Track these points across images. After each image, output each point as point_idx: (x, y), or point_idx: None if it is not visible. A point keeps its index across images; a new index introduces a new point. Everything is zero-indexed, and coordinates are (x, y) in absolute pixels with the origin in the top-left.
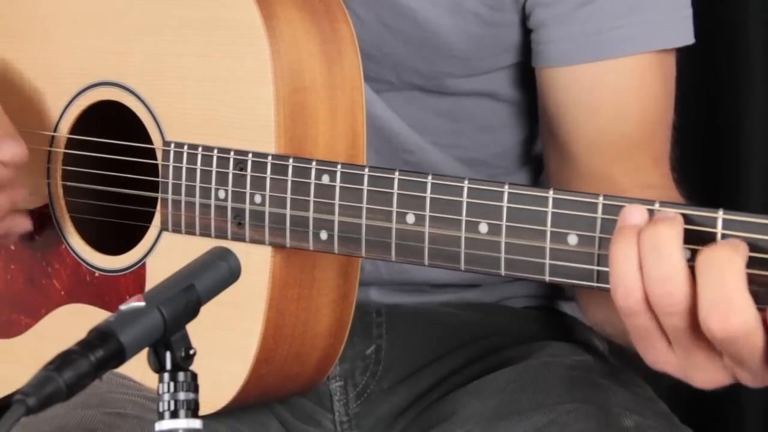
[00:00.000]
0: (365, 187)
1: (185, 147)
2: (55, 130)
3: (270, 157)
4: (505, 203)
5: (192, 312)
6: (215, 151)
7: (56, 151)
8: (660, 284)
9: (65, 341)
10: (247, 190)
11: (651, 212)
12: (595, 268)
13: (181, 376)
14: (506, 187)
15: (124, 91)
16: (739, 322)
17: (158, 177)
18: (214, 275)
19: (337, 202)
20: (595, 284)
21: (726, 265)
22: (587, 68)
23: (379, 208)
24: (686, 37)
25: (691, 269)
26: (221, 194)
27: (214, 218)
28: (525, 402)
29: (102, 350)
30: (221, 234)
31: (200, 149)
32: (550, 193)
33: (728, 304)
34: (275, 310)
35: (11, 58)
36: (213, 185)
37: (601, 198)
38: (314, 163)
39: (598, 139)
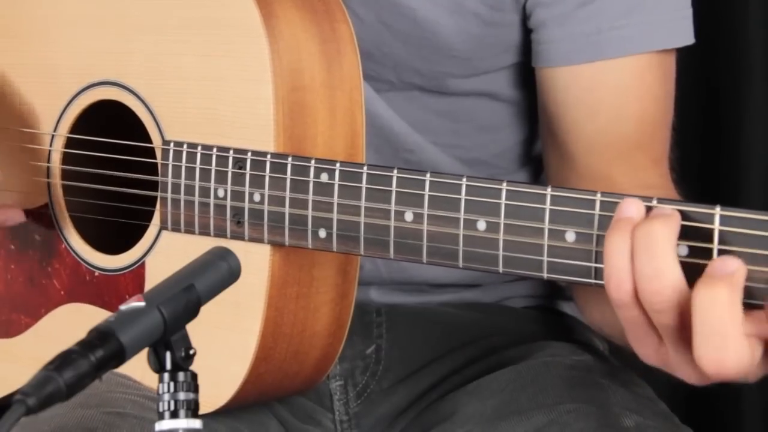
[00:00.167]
0: (364, 185)
1: (184, 146)
2: (55, 130)
3: (269, 156)
4: (503, 200)
5: (192, 312)
6: (214, 149)
7: (56, 150)
8: (649, 281)
9: (65, 341)
10: (246, 188)
11: (649, 209)
12: (593, 265)
13: (181, 376)
14: (504, 184)
15: (124, 91)
16: (735, 362)
17: (158, 176)
18: (214, 275)
19: (335, 200)
20: (592, 281)
21: (725, 302)
22: (587, 68)
23: (378, 206)
24: (686, 37)
25: (685, 265)
26: (220, 193)
27: (213, 217)
28: (525, 402)
29: (102, 350)
30: (220, 233)
31: (199, 148)
32: (548, 191)
33: (725, 350)
34: (274, 309)
35: (11, 57)
36: (212, 184)
37: (598, 195)
38: (313, 161)
39: (598, 140)
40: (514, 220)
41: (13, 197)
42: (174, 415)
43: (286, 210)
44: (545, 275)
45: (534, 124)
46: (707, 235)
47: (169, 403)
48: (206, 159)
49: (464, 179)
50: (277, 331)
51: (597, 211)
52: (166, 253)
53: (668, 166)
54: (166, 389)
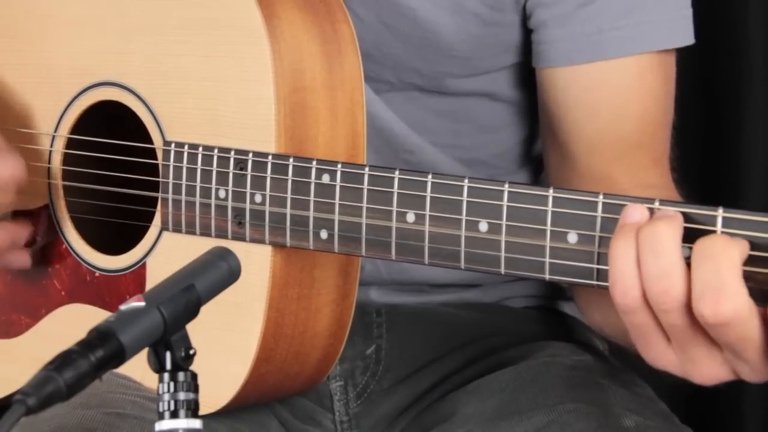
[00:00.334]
0: (365, 186)
1: (186, 147)
2: (55, 131)
3: (270, 157)
4: (505, 202)
5: (192, 312)
6: (215, 150)
7: (56, 151)
8: (657, 281)
9: (65, 341)
10: (248, 189)
11: (651, 210)
12: (595, 266)
13: (181, 376)
14: (506, 186)
15: (125, 91)
16: (731, 307)
17: (158, 177)
18: (214, 275)
19: (337, 201)
20: (594, 282)
21: (721, 253)
22: (587, 68)
23: (380, 208)
24: (686, 37)
25: (689, 266)
26: (221, 194)
27: (215, 218)
28: (525, 402)
29: (102, 350)
30: (221, 233)
31: (201, 149)
32: (550, 192)
33: (721, 289)
34: (275, 310)
35: (11, 58)
36: (213, 185)
37: (601, 196)
38: (314, 162)
39: (598, 139)
40: (516, 221)
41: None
42: (174, 415)
43: (288, 211)
44: (547, 277)
45: (534, 124)
46: None
47: (169, 403)
48: (207, 160)
49: (466, 180)
50: (278, 332)
51: (599, 213)
52: (167, 254)
53: (669, 165)
54: (166, 389)
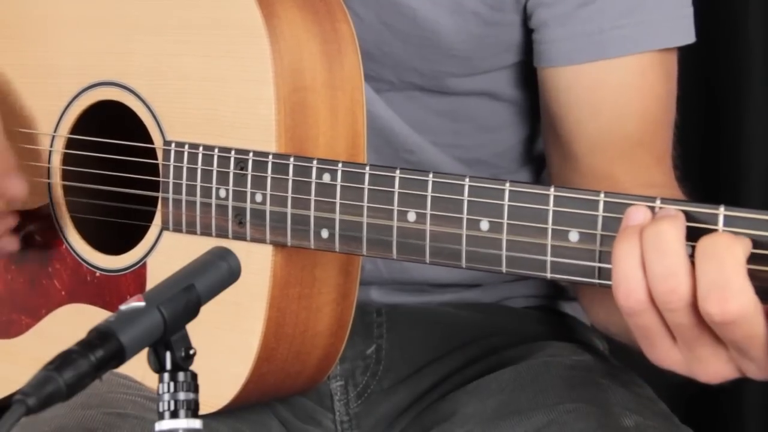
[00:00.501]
0: (366, 186)
1: (186, 146)
2: (55, 131)
3: (271, 156)
4: (506, 201)
5: (192, 312)
6: (216, 150)
7: (56, 151)
8: (663, 281)
9: (66, 341)
10: (248, 189)
11: (652, 209)
12: (597, 264)
13: (181, 376)
14: (507, 184)
15: (125, 91)
16: (737, 305)
17: (159, 176)
18: (214, 275)
19: (338, 200)
20: (596, 281)
21: (725, 251)
22: (589, 68)
23: (381, 207)
24: (687, 36)
25: (693, 265)
26: (222, 193)
27: (215, 217)
28: (525, 402)
29: (102, 350)
30: (222, 233)
31: (201, 149)
32: (552, 191)
33: (726, 287)
34: (276, 309)
35: (11, 58)
36: (214, 184)
37: (602, 195)
38: (315, 161)
39: (600, 139)
40: (517, 220)
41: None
42: (174, 415)
43: (288, 210)
44: (549, 275)
45: (534, 124)
46: None
47: (169, 403)
48: (208, 160)
49: (467, 179)
50: (279, 332)
51: (600, 211)
52: (167, 254)
53: (671, 164)
54: (166, 389)
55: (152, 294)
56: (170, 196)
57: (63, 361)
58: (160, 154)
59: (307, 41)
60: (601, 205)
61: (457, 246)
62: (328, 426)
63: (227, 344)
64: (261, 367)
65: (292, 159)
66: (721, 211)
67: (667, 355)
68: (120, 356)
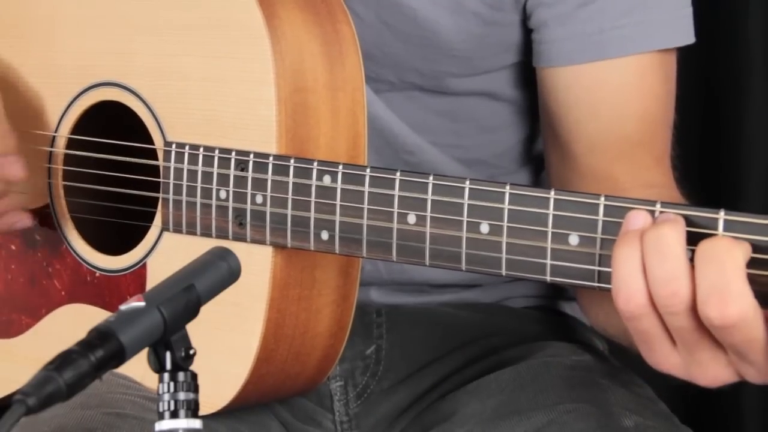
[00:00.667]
0: (366, 188)
1: (186, 147)
2: (56, 131)
3: (271, 158)
4: (506, 205)
5: (192, 312)
6: (216, 151)
7: (57, 151)
8: (664, 284)
9: (65, 341)
10: (249, 190)
11: (652, 213)
12: (596, 268)
13: (181, 376)
14: (507, 187)
15: (126, 92)
16: (737, 309)
17: (159, 177)
18: (214, 275)
19: (338, 202)
20: (596, 284)
21: (725, 255)
22: (588, 68)
23: (381, 209)
24: (687, 36)
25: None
26: (222, 194)
27: (216, 218)
28: (525, 402)
29: (102, 350)
30: (222, 234)
31: (201, 150)
32: (552, 194)
33: (726, 291)
34: (276, 310)
35: (13, 58)
36: (214, 186)
37: (602, 199)
38: (316, 163)
39: (600, 139)
40: (517, 223)
41: (21, 199)
42: (174, 415)
43: (289, 212)
44: (548, 278)
45: (534, 124)
46: None
47: (169, 403)
48: (208, 161)
49: (467, 182)
50: (278, 333)
51: (600, 215)
52: (167, 254)
53: (670, 164)
54: (166, 389)
55: (152, 294)
56: (170, 196)
57: (63, 361)
58: (160, 155)
59: (308, 42)
60: (601, 209)
61: (457, 249)
62: (327, 426)
63: (227, 345)
64: (260, 368)
65: (292, 161)
66: (721, 215)
67: (665, 359)
68: (120, 356)
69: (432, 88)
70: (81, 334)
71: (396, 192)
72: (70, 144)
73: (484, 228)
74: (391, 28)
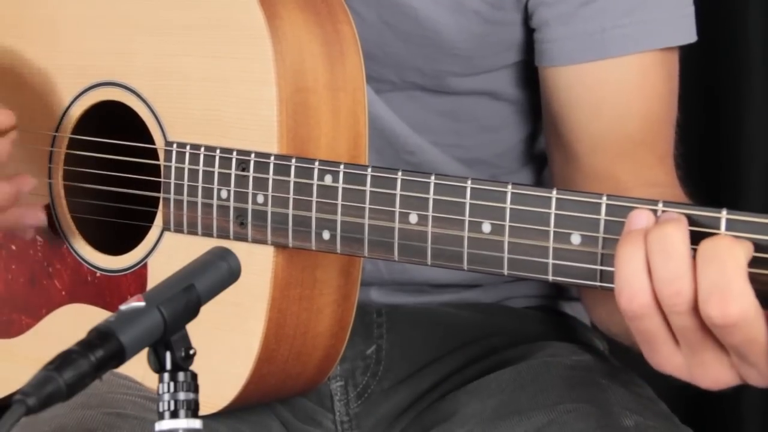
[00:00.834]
0: (368, 187)
1: (187, 147)
2: (56, 131)
3: (272, 158)
4: (508, 204)
5: (192, 312)
6: (217, 151)
7: (58, 151)
8: (669, 284)
9: (66, 341)
10: (250, 190)
11: (654, 212)
12: (599, 267)
13: (181, 376)
14: (509, 187)
15: (127, 92)
16: (738, 308)
17: (160, 177)
18: (214, 275)
19: (339, 202)
20: (598, 284)
21: (726, 254)
22: (591, 67)
23: (382, 208)
24: (689, 35)
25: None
26: (223, 194)
27: (217, 218)
28: (525, 402)
29: (102, 350)
30: (223, 234)
31: (202, 149)
32: (554, 194)
33: (727, 290)
34: (277, 310)
35: (14, 58)
36: (215, 185)
37: (604, 198)
38: (317, 163)
39: (602, 138)
40: (519, 222)
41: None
42: (174, 415)
43: (290, 212)
44: (550, 278)
45: (535, 123)
46: None
47: (169, 403)
48: (209, 160)
49: (469, 182)
50: (279, 333)
51: (603, 214)
52: (168, 254)
53: (673, 163)
54: (166, 389)
55: (152, 294)
56: (171, 196)
57: (63, 361)
58: (161, 155)
59: (309, 42)
60: (603, 208)
61: (459, 248)
62: (328, 426)
63: (228, 345)
64: (261, 368)
65: (293, 160)
66: (724, 214)
67: (668, 360)
68: (120, 356)
69: (433, 88)
70: (82, 334)
71: (398, 191)
72: (71, 144)
73: (486, 227)
74: (392, 28)
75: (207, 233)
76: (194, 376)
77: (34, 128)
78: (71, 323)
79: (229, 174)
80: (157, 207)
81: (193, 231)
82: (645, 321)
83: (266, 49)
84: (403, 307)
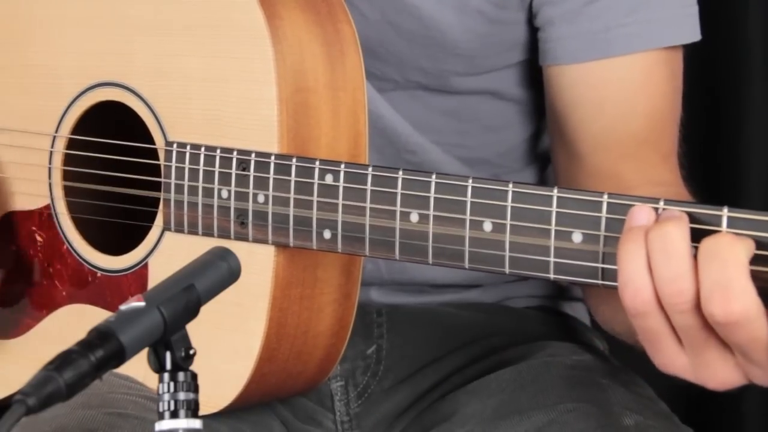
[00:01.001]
0: (369, 187)
1: (188, 147)
2: (56, 131)
3: (273, 157)
4: (509, 203)
5: (192, 312)
6: (218, 151)
7: (57, 151)
8: (670, 283)
9: (66, 342)
10: (250, 189)
11: (656, 210)
12: (600, 265)
13: (181, 376)
14: (510, 185)
15: (127, 92)
16: (740, 305)
17: (160, 177)
18: (214, 275)
19: (340, 201)
20: (599, 282)
21: (727, 251)
22: (595, 66)
23: (383, 208)
24: (693, 33)
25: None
26: (224, 194)
27: (217, 218)
28: (525, 402)
29: (102, 350)
30: (224, 234)
31: (203, 149)
32: (555, 192)
33: (729, 287)
34: (278, 310)
35: (13, 58)
36: (216, 185)
37: (605, 196)
38: (317, 162)
39: (606, 137)
40: (520, 221)
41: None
42: (174, 415)
43: (291, 211)
44: (552, 276)
45: (539, 122)
46: None
47: (169, 403)
48: (209, 160)
49: (470, 180)
50: (280, 332)
51: (604, 212)
52: (169, 254)
53: (677, 162)
54: (166, 389)
55: (152, 294)
56: (172, 196)
57: (63, 361)
58: (161, 155)
59: (309, 42)
60: (604, 207)
61: (460, 247)
62: (328, 426)
63: (229, 344)
64: (262, 368)
65: (294, 160)
66: (725, 212)
67: (672, 361)
68: (120, 356)
69: (436, 87)
70: (82, 334)
71: (399, 190)
72: (71, 144)
73: (487, 226)
74: (395, 27)
75: (208, 233)
76: (194, 376)
77: (33, 129)
78: (72, 323)
79: (230, 174)
80: (157, 207)
81: (193, 231)
82: (648, 319)
83: (266, 49)
84: (404, 307)
